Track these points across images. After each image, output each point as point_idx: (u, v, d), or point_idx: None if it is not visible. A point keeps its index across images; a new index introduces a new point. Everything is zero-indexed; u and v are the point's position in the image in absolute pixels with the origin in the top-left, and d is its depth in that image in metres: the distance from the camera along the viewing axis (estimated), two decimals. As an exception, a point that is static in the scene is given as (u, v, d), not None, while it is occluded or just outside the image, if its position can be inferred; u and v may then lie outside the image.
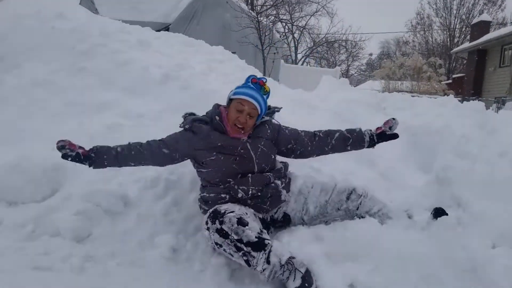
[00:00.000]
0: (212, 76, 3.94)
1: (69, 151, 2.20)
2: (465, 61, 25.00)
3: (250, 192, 2.31)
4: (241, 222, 2.04)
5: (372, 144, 2.59)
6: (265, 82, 2.48)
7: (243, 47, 16.02)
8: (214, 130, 2.42)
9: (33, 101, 3.44)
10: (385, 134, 2.56)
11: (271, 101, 3.89)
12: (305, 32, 28.37)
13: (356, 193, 2.51)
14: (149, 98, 3.60)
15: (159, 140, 2.44)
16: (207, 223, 2.11)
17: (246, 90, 2.41)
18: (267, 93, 2.49)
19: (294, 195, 2.50)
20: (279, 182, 2.41)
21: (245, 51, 16.21)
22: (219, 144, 2.35)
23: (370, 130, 2.60)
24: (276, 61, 18.23)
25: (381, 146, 3.84)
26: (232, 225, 2.02)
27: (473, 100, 4.94)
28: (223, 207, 2.15)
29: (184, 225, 2.59)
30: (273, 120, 2.64)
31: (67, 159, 2.21)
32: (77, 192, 2.59)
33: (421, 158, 3.86)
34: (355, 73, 40.27)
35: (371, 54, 42.94)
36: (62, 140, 2.20)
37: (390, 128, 2.54)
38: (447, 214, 2.56)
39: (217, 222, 2.06)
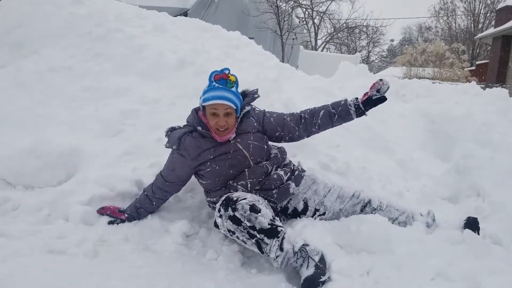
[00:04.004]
0: (228, 62, 3.89)
1: (115, 220, 2.42)
2: (489, 47, 24.32)
3: (249, 185, 2.28)
4: (254, 209, 2.02)
5: (361, 113, 2.44)
6: (228, 73, 2.29)
7: (262, 33, 15.87)
8: (202, 137, 2.36)
9: (50, 86, 3.48)
10: (371, 100, 2.39)
11: (288, 88, 3.86)
12: (325, 18, 28.01)
13: (371, 206, 2.41)
14: (164, 84, 3.59)
15: (160, 175, 2.45)
16: (219, 210, 2.10)
17: (212, 94, 2.25)
18: (235, 82, 2.33)
19: (310, 192, 2.43)
20: (282, 173, 2.36)
21: (264, 37, 16.07)
22: (211, 157, 2.31)
23: (356, 99, 2.45)
24: (295, 47, 18.05)
25: (399, 134, 3.77)
26: (245, 212, 2.01)
27: (496, 87, 4.80)
28: (235, 195, 2.13)
29: (197, 212, 2.60)
30: (256, 109, 2.56)
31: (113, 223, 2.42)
32: (92, 176, 2.61)
33: (440, 146, 3.78)
34: (376, 59, 39.70)
35: (392, 40, 42.35)
36: (102, 208, 2.44)
37: (378, 91, 2.35)
38: (479, 228, 2.38)
39: (229, 209, 2.04)
